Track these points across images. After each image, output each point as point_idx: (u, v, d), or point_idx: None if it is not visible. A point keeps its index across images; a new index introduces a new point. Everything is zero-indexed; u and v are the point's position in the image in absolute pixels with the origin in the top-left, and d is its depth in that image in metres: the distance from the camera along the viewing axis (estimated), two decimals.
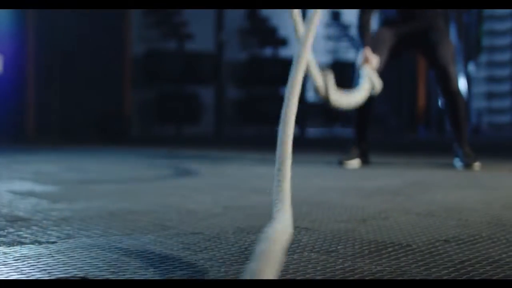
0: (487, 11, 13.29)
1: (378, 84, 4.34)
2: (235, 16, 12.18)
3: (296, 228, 1.99)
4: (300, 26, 2.90)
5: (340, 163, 4.58)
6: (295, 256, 1.59)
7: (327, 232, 1.93)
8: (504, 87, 13.26)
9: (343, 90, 3.91)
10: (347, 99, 3.92)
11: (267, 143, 8.95)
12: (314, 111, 12.50)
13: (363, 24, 4.54)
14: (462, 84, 11.97)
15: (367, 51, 4.44)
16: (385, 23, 4.70)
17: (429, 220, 2.14)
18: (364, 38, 4.52)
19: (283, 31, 12.57)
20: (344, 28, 13.48)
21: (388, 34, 4.61)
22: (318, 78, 3.49)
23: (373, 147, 5.35)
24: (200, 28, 11.66)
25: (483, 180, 3.73)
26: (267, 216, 2.24)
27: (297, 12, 2.87)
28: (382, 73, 4.64)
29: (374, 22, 4.74)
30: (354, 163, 4.61)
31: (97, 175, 3.98)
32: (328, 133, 12.48)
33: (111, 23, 9.99)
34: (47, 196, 2.75)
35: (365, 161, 4.70)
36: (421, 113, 13.67)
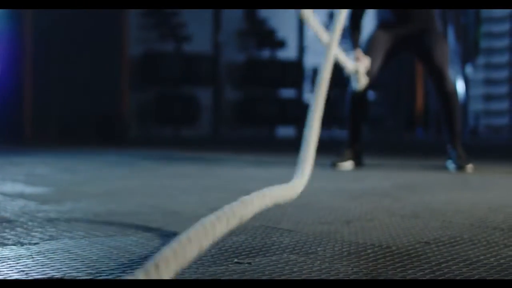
0: (485, 13, 13.30)
1: (363, 80, 4.34)
2: (233, 18, 12.20)
3: (279, 229, 2.00)
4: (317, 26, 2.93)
5: (333, 165, 4.59)
6: (274, 258, 1.60)
7: (310, 233, 1.94)
8: (501, 89, 13.27)
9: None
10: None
11: (263, 145, 8.98)
12: None
13: (353, 25, 4.56)
14: (459, 86, 11.99)
15: (358, 53, 4.46)
16: (380, 25, 4.70)
17: (412, 222, 2.15)
18: (354, 39, 4.54)
19: (281, 33, 12.59)
20: (342, 30, 13.47)
21: (384, 37, 4.62)
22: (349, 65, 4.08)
23: (369, 149, 5.36)
24: (198, 30, 11.67)
25: (473, 182, 3.74)
26: (253, 217, 2.25)
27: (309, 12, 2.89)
28: (379, 76, 4.65)
29: (367, 22, 4.75)
30: (347, 165, 4.61)
31: (88, 177, 3.98)
32: (326, 135, 12.49)
33: (109, 25, 10.00)
34: (36, 197, 2.76)
35: (358, 163, 4.70)
36: (419, 115, 13.68)
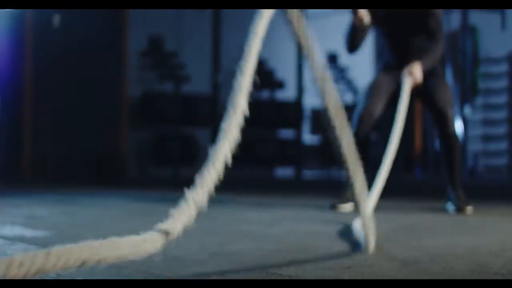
0: (483, 54, 13.39)
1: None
2: (231, 58, 12.27)
3: (279, 275, 2.00)
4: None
5: (333, 207, 4.58)
6: None
7: (310, 279, 1.93)
8: (500, 130, 13.31)
9: None
10: None
11: (262, 185, 8.97)
12: (311, 153, 12.53)
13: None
14: (458, 126, 12.03)
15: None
16: (383, 69, 4.76)
17: (413, 268, 2.15)
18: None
19: (280, 74, 12.66)
20: (341, 71, 13.57)
21: (387, 80, 4.66)
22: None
23: (368, 190, 5.35)
24: (197, 70, 11.75)
25: (473, 224, 3.74)
26: (253, 262, 2.25)
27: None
28: (380, 117, 4.68)
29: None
30: (347, 207, 4.60)
31: (87, 219, 3.98)
32: (325, 175, 12.49)
33: (109, 65, 10.05)
34: (36, 241, 2.76)
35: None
36: (417, 155, 13.70)
